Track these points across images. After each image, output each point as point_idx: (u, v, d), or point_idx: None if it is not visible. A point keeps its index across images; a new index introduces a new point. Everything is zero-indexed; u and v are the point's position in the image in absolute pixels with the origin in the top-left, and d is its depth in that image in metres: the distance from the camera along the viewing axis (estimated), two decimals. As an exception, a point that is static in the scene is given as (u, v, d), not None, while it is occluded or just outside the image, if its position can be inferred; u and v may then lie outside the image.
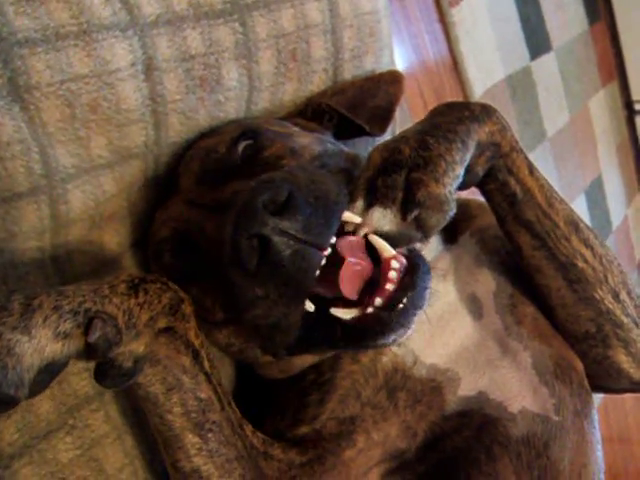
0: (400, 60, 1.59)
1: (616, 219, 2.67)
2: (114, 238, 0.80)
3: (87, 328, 0.54)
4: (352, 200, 0.65)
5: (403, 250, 0.67)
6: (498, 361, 0.80)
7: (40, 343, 0.52)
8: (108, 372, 0.58)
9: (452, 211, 0.64)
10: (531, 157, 2.13)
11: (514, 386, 0.78)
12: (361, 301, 0.64)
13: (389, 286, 0.64)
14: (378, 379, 0.78)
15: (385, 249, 0.64)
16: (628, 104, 2.89)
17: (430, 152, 0.66)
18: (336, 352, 0.79)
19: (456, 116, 0.72)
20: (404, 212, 0.63)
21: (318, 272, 0.61)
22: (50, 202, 0.69)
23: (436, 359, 0.79)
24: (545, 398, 0.78)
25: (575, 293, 0.80)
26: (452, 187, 0.66)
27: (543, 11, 2.23)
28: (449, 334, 0.81)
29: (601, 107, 2.63)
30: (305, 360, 0.80)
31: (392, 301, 0.63)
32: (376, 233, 0.64)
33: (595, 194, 2.51)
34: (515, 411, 0.77)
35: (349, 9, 0.93)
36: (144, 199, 0.81)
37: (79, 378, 0.74)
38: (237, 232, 0.59)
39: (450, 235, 0.90)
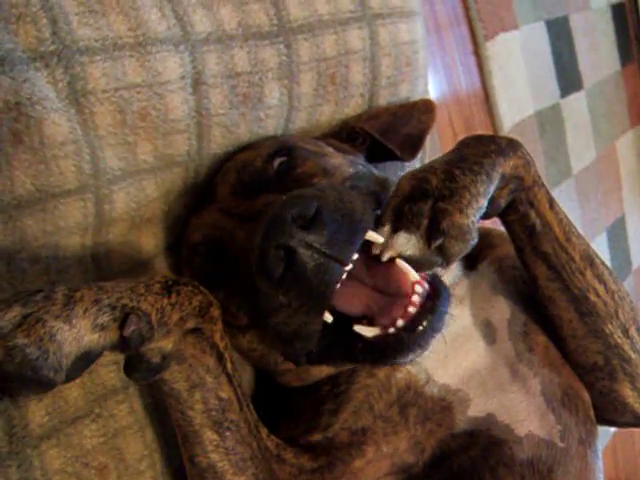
0: (433, 89, 1.62)
1: (636, 260, 2.67)
2: (151, 240, 0.83)
3: (123, 323, 0.58)
4: (380, 224, 0.68)
5: (426, 276, 0.71)
6: (508, 385, 0.82)
7: (79, 332, 0.55)
8: (137, 366, 0.62)
9: (474, 240, 0.67)
10: (556, 192, 2.16)
11: (522, 410, 0.80)
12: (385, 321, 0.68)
13: (411, 309, 0.67)
14: (391, 394, 0.80)
15: (410, 274, 0.68)
16: (657, 147, 2.88)
17: (456, 184, 0.69)
18: (353, 365, 0.82)
19: (483, 149, 0.75)
20: (428, 239, 0.66)
21: (339, 285, 0.65)
22: (96, 201, 0.73)
23: (448, 379, 0.82)
24: (551, 424, 0.80)
25: (586, 325, 0.82)
26: (475, 218, 0.68)
27: (576, 50, 2.26)
28: (462, 356, 0.83)
29: (629, 148, 2.64)
30: (322, 370, 0.83)
31: (413, 323, 0.67)
32: (399, 256, 0.66)
33: (617, 233, 2.51)
34: (522, 434, 0.79)
35: (389, 38, 0.97)
36: (182, 205, 0.85)
37: (108, 370, 0.77)
38: (266, 241, 0.63)
39: (470, 262, 0.92)
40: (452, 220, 0.66)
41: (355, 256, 0.66)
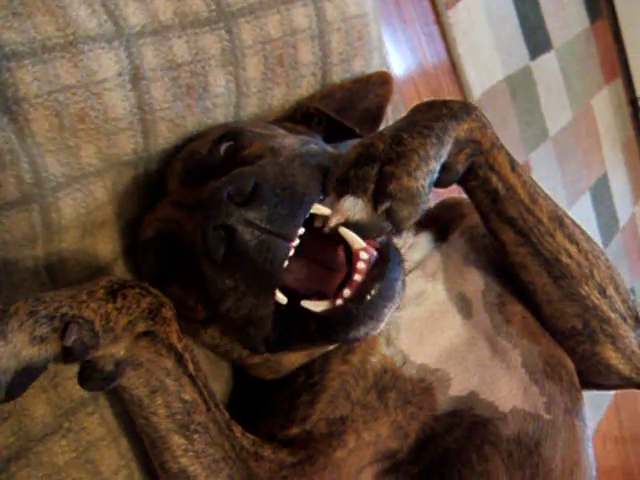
0: (397, 63, 1.60)
1: (623, 217, 2.66)
2: (107, 245, 0.81)
3: (63, 332, 0.56)
4: (326, 194, 0.66)
5: (376, 242, 0.68)
6: (488, 361, 0.80)
7: (16, 347, 0.54)
8: (90, 375, 0.61)
9: (424, 204, 0.65)
10: (533, 156, 2.14)
11: (504, 385, 0.79)
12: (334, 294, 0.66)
13: (357, 277, 0.65)
14: (368, 379, 0.79)
15: (355, 241, 0.65)
16: (633, 101, 2.87)
17: (404, 147, 0.66)
18: (325, 352, 0.80)
19: (434, 114, 0.73)
20: (375, 203, 0.64)
21: (287, 263, 0.62)
22: (41, 210, 0.70)
23: (426, 359, 0.80)
24: (535, 397, 0.79)
25: (560, 289, 0.80)
26: (425, 181, 0.66)
27: (542, 10, 2.23)
28: (438, 334, 0.81)
29: (605, 105, 2.62)
30: (294, 361, 0.82)
31: (360, 292, 0.64)
32: (347, 222, 0.64)
33: (601, 192, 2.50)
34: (506, 410, 0.77)
35: (336, 14, 0.95)
36: (135, 205, 0.83)
37: (74, 382, 0.73)
38: (204, 223, 0.61)
39: (441, 234, 0.91)
40: (399, 183, 0.64)
41: (301, 231, 0.63)
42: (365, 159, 0.66)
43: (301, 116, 0.94)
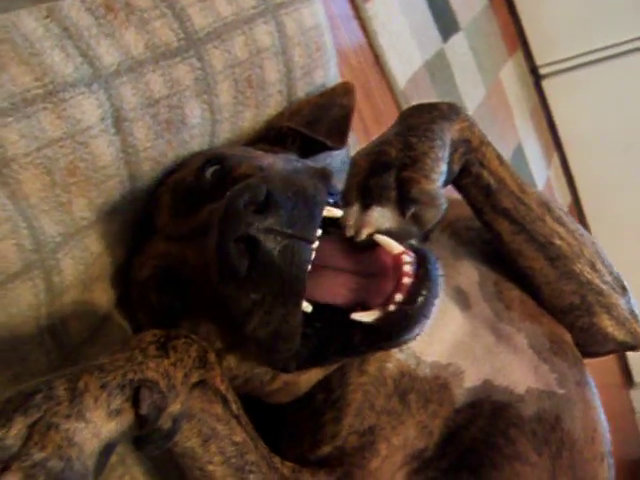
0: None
1: (540, 182, 2.77)
2: (103, 296, 0.78)
3: (135, 400, 0.53)
4: (347, 204, 0.66)
5: (407, 245, 0.68)
6: (495, 347, 0.82)
7: (96, 426, 0.50)
8: (149, 438, 0.56)
9: (444, 205, 0.66)
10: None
11: (515, 368, 0.81)
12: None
13: (407, 280, 0.65)
14: (388, 386, 0.79)
15: (394, 246, 0.65)
16: (533, 70, 2.99)
17: (415, 151, 0.68)
18: (340, 367, 0.79)
19: (428, 117, 0.75)
20: (401, 209, 0.65)
21: (310, 268, 0.61)
22: (44, 276, 0.67)
23: (436, 356, 0.81)
24: (547, 374, 0.81)
25: (556, 269, 0.84)
26: (440, 183, 0.68)
27: (445, -10, 2.27)
28: (443, 330, 0.82)
29: (511, 77, 2.71)
30: (311, 379, 0.80)
31: (412, 294, 0.64)
32: (378, 232, 0.65)
33: (518, 161, 2.58)
34: (522, 392, 0.79)
35: (295, 27, 0.94)
36: (125, 250, 0.80)
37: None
38: (223, 238, 0.58)
39: (422, 236, 0.92)
40: (420, 187, 0.65)
41: (319, 232, 0.62)
42: (380, 167, 0.67)
43: (275, 137, 0.93)
